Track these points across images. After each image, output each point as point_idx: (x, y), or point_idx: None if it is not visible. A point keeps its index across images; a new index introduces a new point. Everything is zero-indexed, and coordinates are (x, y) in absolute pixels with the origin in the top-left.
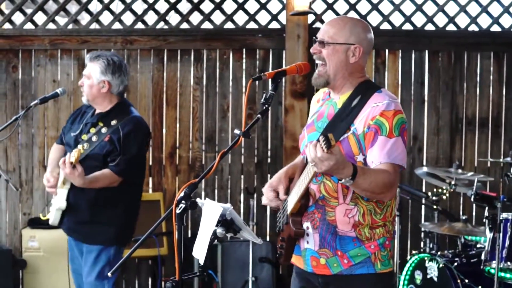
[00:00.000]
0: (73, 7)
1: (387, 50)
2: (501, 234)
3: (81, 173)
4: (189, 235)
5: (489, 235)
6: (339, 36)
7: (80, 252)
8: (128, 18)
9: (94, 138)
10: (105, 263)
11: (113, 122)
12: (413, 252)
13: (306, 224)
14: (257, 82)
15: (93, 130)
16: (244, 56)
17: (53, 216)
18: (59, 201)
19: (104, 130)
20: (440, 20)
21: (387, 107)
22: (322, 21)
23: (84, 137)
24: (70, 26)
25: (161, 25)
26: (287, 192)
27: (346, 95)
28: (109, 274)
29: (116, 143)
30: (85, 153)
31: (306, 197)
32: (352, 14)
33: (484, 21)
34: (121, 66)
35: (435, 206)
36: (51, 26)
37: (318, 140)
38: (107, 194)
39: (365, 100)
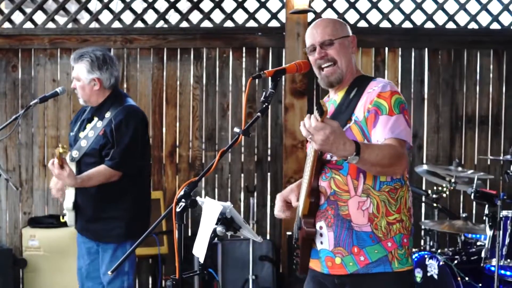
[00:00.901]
0: (72, 6)
1: (386, 48)
2: (501, 232)
3: (70, 173)
4: (189, 234)
5: (489, 232)
6: (337, 30)
7: (88, 251)
8: (127, 17)
9: (90, 134)
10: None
11: (107, 115)
12: (413, 250)
13: (320, 224)
14: (256, 80)
15: (89, 126)
16: (243, 54)
17: (68, 217)
18: (67, 203)
19: (99, 124)
20: (440, 18)
21: (383, 88)
22: None
23: (81, 134)
24: (69, 25)
25: (161, 24)
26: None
27: (343, 90)
28: (109, 272)
29: (109, 135)
30: (83, 150)
31: (317, 195)
32: (352, 12)
33: (484, 19)
34: (106, 59)
35: (435, 204)
36: (50, 25)
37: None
38: (109, 189)
39: (362, 90)
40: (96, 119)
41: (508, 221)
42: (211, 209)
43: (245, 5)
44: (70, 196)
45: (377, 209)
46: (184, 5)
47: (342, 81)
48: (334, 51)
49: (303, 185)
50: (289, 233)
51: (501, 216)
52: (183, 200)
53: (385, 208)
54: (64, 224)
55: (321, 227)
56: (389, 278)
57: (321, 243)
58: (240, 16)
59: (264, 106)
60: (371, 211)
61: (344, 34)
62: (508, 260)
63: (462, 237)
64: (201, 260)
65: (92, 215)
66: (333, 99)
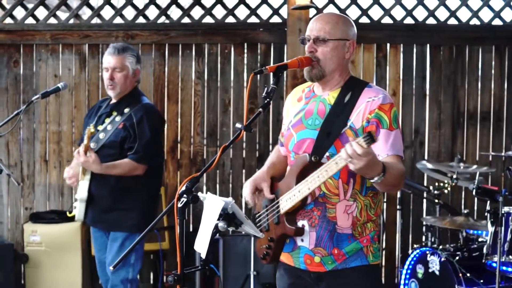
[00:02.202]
0: (74, 2)
1: (388, 44)
2: (502, 228)
3: (95, 159)
4: (191, 230)
5: (490, 229)
6: (336, 31)
7: (104, 244)
8: (129, 13)
9: (109, 127)
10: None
11: (126, 110)
12: (415, 246)
13: (302, 222)
14: (258, 76)
15: (107, 120)
16: (245, 50)
17: (77, 210)
18: (80, 193)
19: (118, 118)
20: (442, 14)
21: (383, 100)
22: None
23: (100, 127)
24: (71, 21)
25: (163, 19)
26: (272, 191)
27: (336, 91)
28: (111, 267)
29: (130, 129)
30: (101, 142)
31: (304, 198)
32: (353, 8)
33: (486, 15)
34: (140, 56)
35: (436, 200)
36: (52, 20)
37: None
38: (129, 181)
39: (357, 96)
40: (115, 113)
41: (510, 217)
42: (212, 204)
43: (247, 0)
44: (83, 187)
45: (360, 213)
46: (185, 1)
47: (322, 78)
48: (322, 50)
49: (300, 185)
50: None
51: (502, 212)
52: (184, 195)
53: (366, 212)
54: (66, 220)
55: (303, 226)
56: (365, 270)
57: (302, 240)
58: (241, 12)
59: (266, 101)
60: (355, 214)
61: (343, 37)
62: (510, 257)
63: (464, 233)
64: (203, 256)
65: (109, 206)
66: (322, 97)
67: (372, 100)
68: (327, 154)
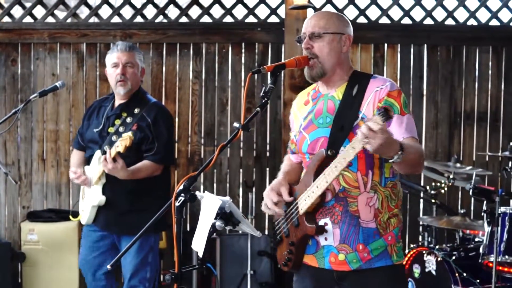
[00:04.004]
0: (72, 1)
1: (386, 44)
2: (499, 228)
3: (123, 166)
4: (188, 229)
5: (487, 229)
6: (330, 26)
7: (97, 244)
8: (127, 12)
9: (121, 129)
10: (148, 250)
11: (136, 110)
12: (412, 245)
13: (325, 221)
14: (256, 75)
15: (118, 122)
16: (243, 50)
17: (87, 215)
18: (95, 198)
19: (129, 119)
20: (439, 14)
21: (391, 87)
22: None
23: (111, 129)
24: (69, 20)
25: (160, 19)
26: (291, 195)
27: (342, 87)
28: (108, 266)
29: (147, 130)
30: (129, 140)
31: (323, 193)
32: (351, 8)
33: (483, 16)
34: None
35: (433, 200)
36: (50, 19)
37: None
38: (145, 182)
39: (364, 87)
40: (125, 114)
41: (506, 217)
42: (210, 203)
43: (245, 0)
44: (97, 192)
45: (382, 205)
46: (183, 0)
47: (324, 76)
48: (319, 45)
49: (311, 187)
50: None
51: (499, 212)
52: (182, 194)
53: (387, 203)
54: (63, 218)
55: (326, 224)
56: (389, 271)
57: (326, 239)
58: (239, 12)
59: (263, 101)
60: (377, 206)
61: (337, 31)
62: (506, 256)
63: (460, 233)
64: (200, 255)
65: (125, 208)
66: (329, 94)
67: (380, 89)
68: (342, 148)
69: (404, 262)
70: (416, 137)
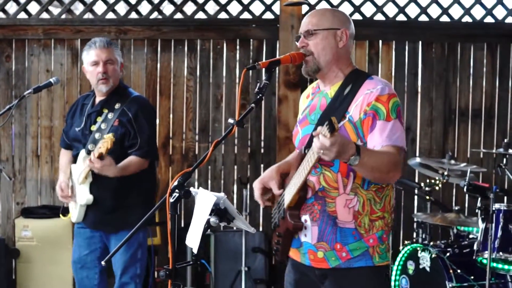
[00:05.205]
0: None
1: (380, 41)
2: (493, 225)
3: (111, 162)
4: (182, 225)
5: (481, 225)
6: (323, 22)
7: (88, 242)
8: (122, 8)
9: (103, 126)
10: (137, 246)
11: (117, 106)
12: (406, 242)
13: (305, 217)
14: (250, 72)
15: (99, 119)
16: (237, 46)
17: (76, 214)
18: (83, 197)
19: (110, 115)
20: (434, 11)
21: (381, 91)
22: None
23: (93, 127)
24: (63, 16)
25: (155, 15)
26: (281, 187)
27: (337, 85)
28: (102, 262)
29: (128, 125)
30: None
31: (305, 189)
32: (346, 4)
33: (478, 13)
34: None
35: (428, 197)
36: (44, 15)
37: (322, 126)
38: (130, 177)
39: (357, 88)
40: (106, 111)
41: (501, 214)
42: (204, 200)
43: None
44: (84, 191)
45: (363, 207)
46: None
47: (320, 72)
48: (313, 42)
49: (293, 180)
50: None
51: (493, 209)
52: (176, 190)
53: (370, 206)
54: (57, 215)
55: (305, 221)
56: (370, 271)
57: (305, 235)
58: (234, 8)
59: (258, 97)
60: (357, 209)
61: (331, 26)
62: (500, 253)
63: (455, 230)
64: (195, 251)
65: (111, 206)
66: (325, 91)
67: (370, 92)
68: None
69: (399, 259)
70: (398, 144)
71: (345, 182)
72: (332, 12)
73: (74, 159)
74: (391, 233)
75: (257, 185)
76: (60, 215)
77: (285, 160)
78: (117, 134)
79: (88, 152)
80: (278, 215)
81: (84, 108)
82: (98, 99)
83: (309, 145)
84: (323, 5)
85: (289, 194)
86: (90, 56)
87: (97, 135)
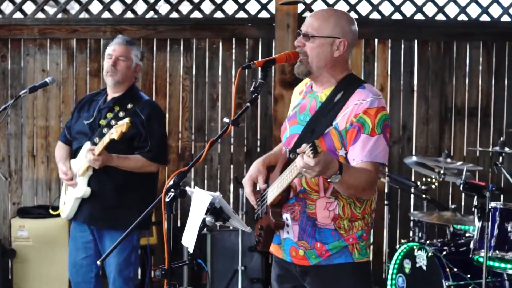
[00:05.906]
0: None
1: (376, 40)
2: (489, 223)
3: (108, 154)
4: (179, 225)
5: (478, 224)
6: (323, 29)
7: (85, 245)
8: (117, 7)
9: (113, 122)
10: (130, 249)
11: (129, 106)
12: (402, 241)
13: (286, 216)
14: (246, 71)
15: (110, 115)
16: (233, 45)
17: (69, 208)
18: (79, 189)
19: (121, 114)
20: (430, 9)
21: (371, 104)
22: (311, 11)
23: (102, 122)
24: (59, 16)
25: (151, 14)
26: (267, 181)
27: (329, 89)
28: (98, 262)
29: (140, 127)
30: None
31: (287, 189)
32: (342, 3)
33: (473, 11)
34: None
35: (424, 195)
36: (40, 15)
37: (306, 145)
38: (134, 178)
39: (347, 96)
40: (117, 108)
41: (497, 213)
42: (200, 199)
43: None
44: (81, 184)
45: (343, 210)
46: None
47: (311, 75)
48: (309, 46)
49: (278, 180)
50: None
51: (489, 207)
52: (172, 190)
53: (350, 210)
54: (54, 215)
55: (287, 219)
56: (350, 267)
57: (287, 232)
58: (230, 7)
59: (254, 96)
60: (337, 212)
61: (331, 35)
62: (497, 251)
63: (451, 228)
64: (191, 251)
65: (111, 202)
66: (316, 93)
67: (359, 103)
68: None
69: (395, 258)
70: (379, 161)
71: (326, 186)
72: (338, 18)
73: (74, 153)
74: (370, 233)
75: (247, 182)
76: (50, 211)
77: (272, 152)
78: (127, 133)
79: (94, 145)
80: (262, 208)
81: (93, 104)
82: (110, 96)
83: (294, 148)
84: (319, 3)
85: (272, 193)
86: (108, 49)
87: (105, 130)
